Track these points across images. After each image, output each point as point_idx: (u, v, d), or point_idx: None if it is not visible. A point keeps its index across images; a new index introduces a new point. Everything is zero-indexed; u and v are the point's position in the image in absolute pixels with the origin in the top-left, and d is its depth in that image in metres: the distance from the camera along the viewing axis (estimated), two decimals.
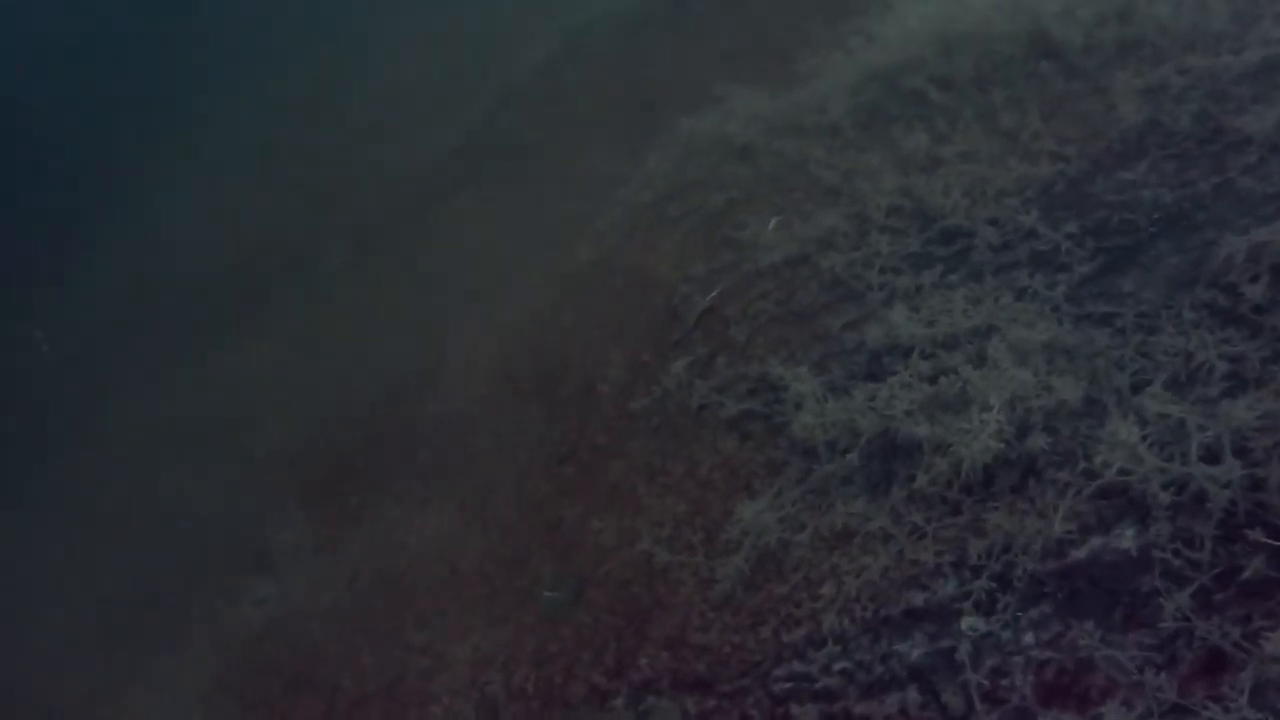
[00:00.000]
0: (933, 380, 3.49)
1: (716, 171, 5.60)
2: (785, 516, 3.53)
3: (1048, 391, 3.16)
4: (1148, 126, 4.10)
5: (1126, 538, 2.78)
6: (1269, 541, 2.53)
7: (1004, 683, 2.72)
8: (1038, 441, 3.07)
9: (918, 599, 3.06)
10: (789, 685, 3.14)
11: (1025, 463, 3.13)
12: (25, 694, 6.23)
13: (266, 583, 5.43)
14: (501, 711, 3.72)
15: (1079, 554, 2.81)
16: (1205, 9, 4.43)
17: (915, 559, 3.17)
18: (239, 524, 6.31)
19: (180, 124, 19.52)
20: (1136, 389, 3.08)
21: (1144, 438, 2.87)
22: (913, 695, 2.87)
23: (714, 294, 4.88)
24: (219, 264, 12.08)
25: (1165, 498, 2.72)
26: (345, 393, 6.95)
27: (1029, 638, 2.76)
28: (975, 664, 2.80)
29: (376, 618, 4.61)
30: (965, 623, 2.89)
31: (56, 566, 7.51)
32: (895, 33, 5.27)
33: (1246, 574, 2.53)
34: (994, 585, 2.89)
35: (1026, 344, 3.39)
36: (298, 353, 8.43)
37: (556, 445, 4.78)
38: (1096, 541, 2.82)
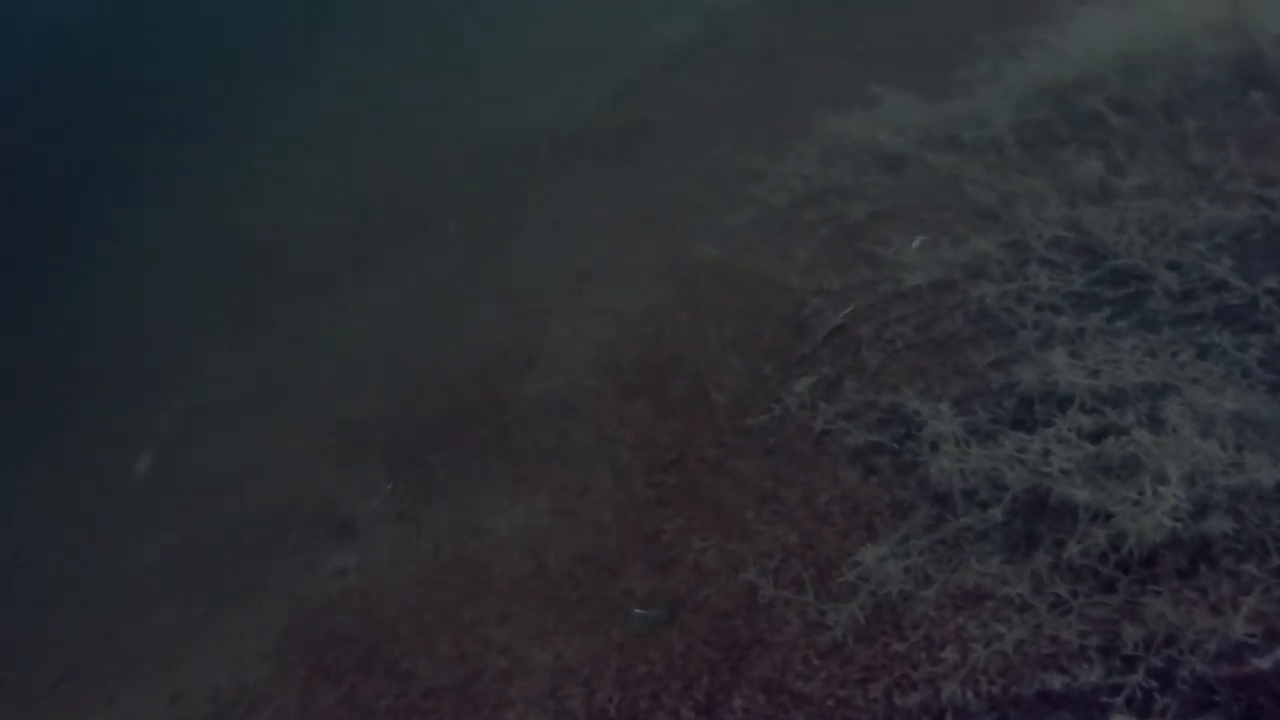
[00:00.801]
0: (1095, 438, 3.23)
1: (860, 179, 5.37)
2: (911, 567, 3.33)
3: (1236, 469, 2.88)
4: None
5: None
6: None
7: None
8: (1219, 524, 2.80)
9: (1056, 682, 2.83)
10: None
11: (1200, 546, 2.86)
12: (99, 628, 6.48)
13: (347, 551, 5.49)
14: None
15: (1262, 663, 2.54)
16: None
17: (1056, 636, 2.93)
18: (323, 485, 6.41)
19: (293, 78, 20.16)
20: None
21: None
22: None
23: (847, 311, 4.68)
24: (323, 222, 12.38)
25: None
26: (442, 361, 6.98)
27: None
28: None
29: (457, 605, 4.59)
30: None
31: (141, 508, 7.80)
32: (1076, 46, 4.94)
33: None
34: (1152, 683, 2.64)
35: (1212, 411, 3.09)
36: (396, 317, 8.53)
37: (661, 450, 4.67)
38: None
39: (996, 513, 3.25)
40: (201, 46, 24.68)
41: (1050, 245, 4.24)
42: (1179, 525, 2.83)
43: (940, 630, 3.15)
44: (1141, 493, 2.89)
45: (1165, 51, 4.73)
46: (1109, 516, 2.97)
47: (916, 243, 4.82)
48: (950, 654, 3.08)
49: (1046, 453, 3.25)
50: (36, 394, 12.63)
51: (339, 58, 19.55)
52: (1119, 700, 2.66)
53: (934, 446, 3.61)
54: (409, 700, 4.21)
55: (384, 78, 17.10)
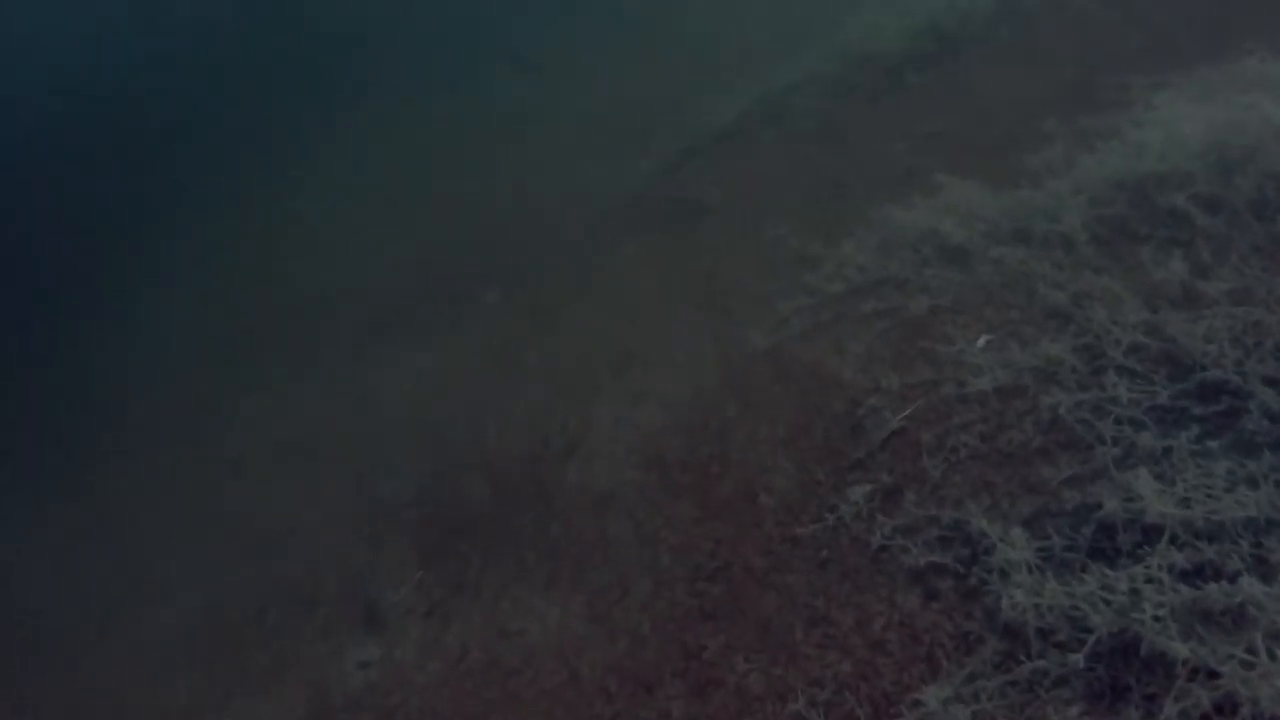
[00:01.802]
0: (1193, 580, 2.94)
1: (921, 272, 5.18)
2: (979, 713, 3.03)
3: None
4: None
5: None
6: None
7: None
8: None
9: None
10: None
11: None
12: (112, 701, 6.36)
13: (372, 644, 5.31)
14: None
15: None
16: None
17: None
18: (354, 564, 6.26)
19: (346, 134, 20.73)
20: None
21: None
22: None
23: (906, 413, 4.45)
24: (367, 281, 12.51)
25: None
26: (480, 439, 6.86)
27: None
28: None
29: (483, 713, 4.36)
30: None
31: (164, 569, 7.72)
32: (1158, 137, 4.73)
33: None
34: None
35: None
36: (436, 386, 8.47)
37: (705, 555, 4.43)
38: None
39: (1077, 658, 2.95)
40: (257, 95, 25.57)
41: (1129, 352, 3.98)
42: None
43: None
44: (1253, 652, 2.59)
45: (1255, 146, 4.49)
46: (1213, 674, 2.67)
47: (981, 342, 4.59)
48: None
49: (1135, 593, 2.96)
50: (67, 440, 12.80)
51: (393, 117, 20.08)
52: None
53: (1004, 574, 3.33)
54: None
55: (436, 140, 17.48)
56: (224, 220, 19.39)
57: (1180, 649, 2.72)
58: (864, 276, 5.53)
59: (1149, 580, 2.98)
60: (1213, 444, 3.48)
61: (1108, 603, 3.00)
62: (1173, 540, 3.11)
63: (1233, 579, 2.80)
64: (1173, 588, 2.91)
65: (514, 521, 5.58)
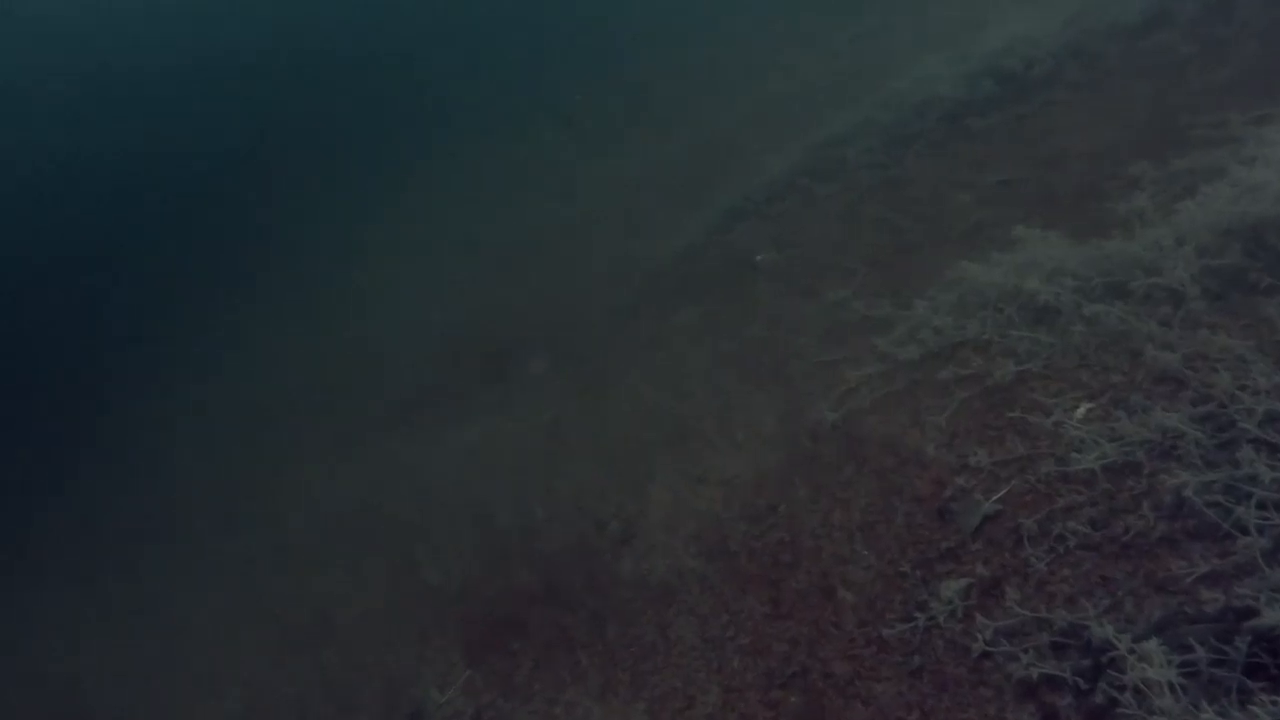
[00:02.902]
0: None
1: (1004, 333, 4.78)
2: None
3: None
4: None
5: None
6: None
7: None
8: None
9: None
10: None
11: None
12: None
13: None
14: None
15: None
16: None
17: None
18: (398, 659, 5.94)
19: (383, 203, 21.02)
20: None
21: None
22: None
23: (1001, 494, 4.02)
24: (407, 356, 12.43)
25: None
26: (528, 524, 6.54)
27: None
28: None
29: None
30: None
31: (204, 664, 7.48)
32: (1269, 176, 4.30)
33: None
34: None
35: None
36: (478, 466, 8.20)
37: (779, 659, 4.02)
38: None
39: None
40: (297, 165, 26.14)
41: (1265, 423, 3.53)
42: None
43: None
44: None
45: None
46: None
47: (1081, 412, 4.16)
48: None
49: None
50: (108, 522, 12.80)
51: (436, 181, 20.31)
52: None
53: (1141, 696, 2.87)
54: None
55: (479, 204, 17.58)
56: (264, 292, 19.68)
57: None
58: (940, 340, 5.14)
59: None
60: None
61: None
62: None
63: None
64: None
65: (566, 618, 5.22)
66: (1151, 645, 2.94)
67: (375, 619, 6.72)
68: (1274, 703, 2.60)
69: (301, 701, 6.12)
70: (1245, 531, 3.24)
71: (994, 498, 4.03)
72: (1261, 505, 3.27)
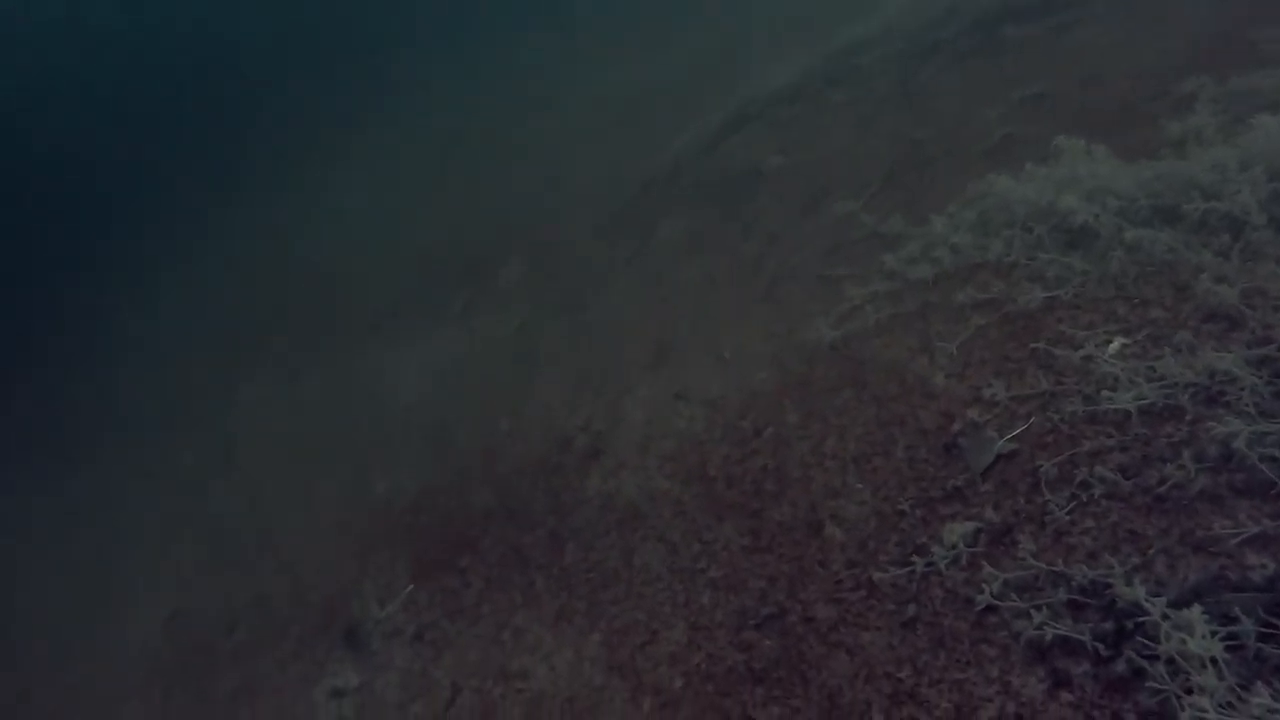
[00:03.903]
0: None
1: (1034, 256, 4.32)
2: None
3: None
4: None
5: None
6: None
7: None
8: None
9: None
10: None
11: None
12: (76, 708, 5.74)
13: (350, 669, 4.60)
14: None
15: None
16: None
17: None
18: (339, 573, 5.57)
19: (366, 110, 20.12)
20: None
21: None
22: None
23: (1018, 431, 3.61)
24: (380, 260, 11.88)
25: None
26: (490, 438, 6.13)
27: None
28: None
29: None
30: None
31: (140, 565, 7.11)
32: None
33: None
34: None
35: None
36: (446, 378, 7.76)
37: (755, 597, 3.65)
38: None
39: None
40: (279, 73, 25.07)
41: None
42: None
43: None
44: None
45: None
46: None
47: (1115, 346, 3.73)
48: None
49: None
50: (62, 414, 12.34)
51: (425, 82, 19.40)
52: None
53: (1175, 669, 2.51)
54: None
55: (464, 111, 16.78)
56: (236, 197, 18.91)
57: None
58: (957, 260, 4.68)
59: None
60: None
61: None
62: None
63: None
64: None
65: (523, 537, 4.84)
66: (1193, 613, 2.56)
67: (319, 530, 6.33)
68: None
69: (233, 611, 5.76)
70: None
71: (1009, 435, 3.63)
72: None
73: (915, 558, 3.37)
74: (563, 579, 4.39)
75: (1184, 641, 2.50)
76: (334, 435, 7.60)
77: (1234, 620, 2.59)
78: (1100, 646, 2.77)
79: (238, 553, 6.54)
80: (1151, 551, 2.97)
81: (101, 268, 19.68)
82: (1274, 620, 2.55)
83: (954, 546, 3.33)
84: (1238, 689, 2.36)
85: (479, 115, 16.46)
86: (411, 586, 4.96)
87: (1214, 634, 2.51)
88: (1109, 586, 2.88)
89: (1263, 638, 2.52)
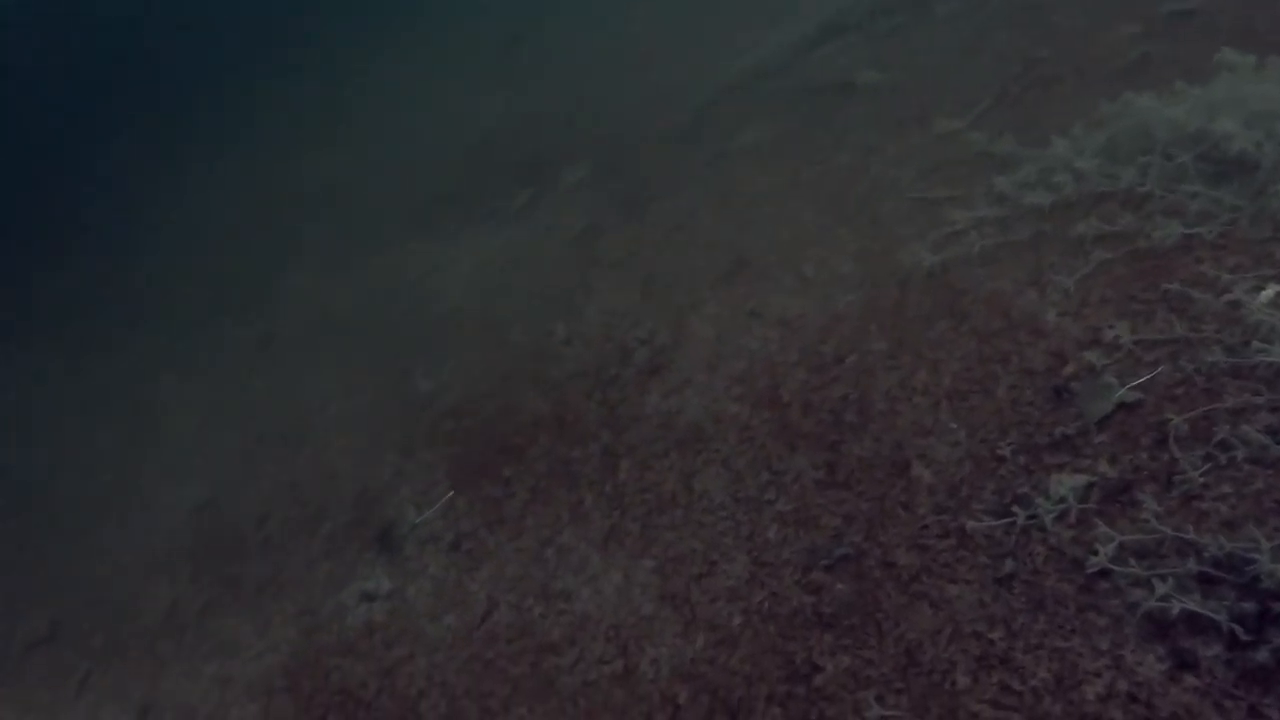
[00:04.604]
0: None
1: (1174, 188, 3.87)
2: None
3: None
4: None
5: None
6: None
7: None
8: None
9: None
10: None
11: None
12: (93, 600, 5.72)
13: (382, 573, 4.45)
14: None
15: None
16: None
17: None
18: (376, 473, 5.41)
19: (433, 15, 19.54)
20: None
21: None
22: None
23: (1144, 379, 3.24)
24: (440, 157, 11.55)
25: None
26: (545, 344, 5.87)
27: None
28: None
29: (502, 700, 3.45)
30: None
31: (175, 448, 7.05)
32: None
33: None
34: None
35: None
36: (498, 278, 7.49)
37: (828, 536, 3.37)
38: None
39: None
40: None
41: None
42: None
43: None
44: None
45: None
46: None
47: (1269, 294, 3.32)
48: None
49: None
50: (95, 305, 12.37)
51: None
52: None
53: None
54: None
55: (538, 2, 16.19)
56: (289, 82, 18.60)
57: None
58: (1081, 187, 4.24)
59: None
60: None
61: None
62: None
63: None
64: None
65: (574, 450, 4.60)
66: None
67: (358, 428, 6.18)
68: None
69: (266, 502, 5.65)
70: None
71: (1133, 383, 3.26)
72: None
73: (1016, 508, 3.05)
74: (615, 498, 4.15)
75: None
76: (378, 331, 7.42)
77: None
78: (1238, 629, 2.44)
79: (272, 446, 6.43)
80: None
81: (142, 147, 19.59)
82: None
83: (1062, 500, 3.01)
84: None
85: (545, 14, 15.88)
86: (451, 493, 4.78)
87: None
88: (1253, 562, 2.54)
89: None
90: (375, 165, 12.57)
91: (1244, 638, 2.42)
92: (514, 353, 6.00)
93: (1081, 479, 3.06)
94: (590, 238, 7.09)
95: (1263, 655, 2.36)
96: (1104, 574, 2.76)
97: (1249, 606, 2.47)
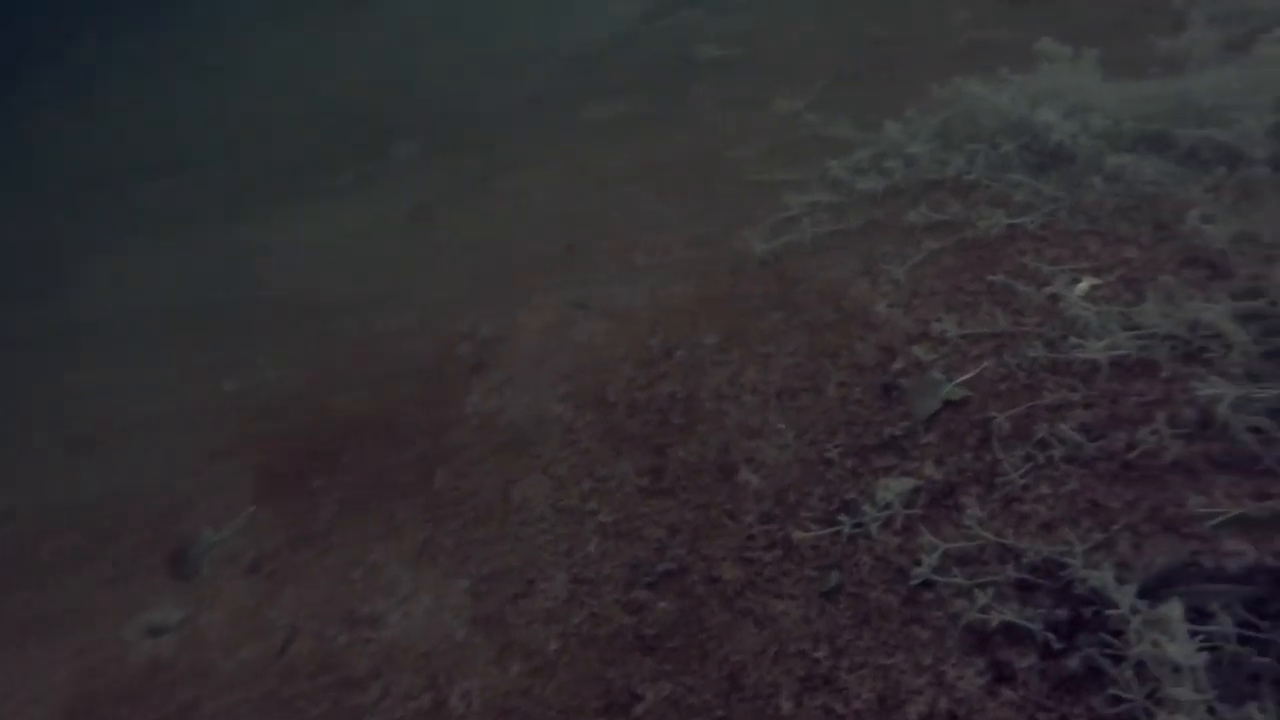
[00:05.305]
0: None
1: (999, 177, 3.90)
2: None
3: None
4: None
5: None
6: None
7: None
8: None
9: None
10: None
11: None
12: None
13: (171, 602, 4.03)
14: None
15: None
16: None
17: None
18: (177, 483, 4.94)
19: None
20: None
21: None
22: None
23: (970, 375, 3.23)
24: (271, 129, 10.86)
25: None
26: (366, 334, 5.51)
27: None
28: None
29: None
30: None
31: None
32: None
33: None
34: None
35: None
36: (327, 257, 7.03)
37: (652, 549, 3.22)
38: None
39: None
40: None
41: None
42: None
43: None
44: None
45: None
46: None
47: (1084, 286, 3.37)
48: None
49: None
50: None
51: None
52: None
53: (1142, 672, 2.18)
54: None
55: None
56: (117, 40, 17.14)
57: None
58: (911, 174, 4.24)
59: None
60: None
61: None
62: None
63: None
64: None
65: (389, 456, 4.30)
66: (1171, 610, 2.22)
67: (163, 427, 5.64)
68: None
69: (59, 513, 5.07)
70: None
71: (959, 379, 3.25)
72: None
73: (843, 516, 2.98)
74: (429, 510, 3.88)
75: (1162, 645, 2.16)
76: (193, 320, 6.83)
77: (1208, 617, 2.27)
78: (1051, 638, 2.43)
79: (69, 451, 5.80)
80: (1115, 528, 2.63)
81: None
82: (1257, 621, 2.24)
83: (888, 506, 2.95)
84: (1224, 707, 2.04)
85: None
86: (253, 507, 4.38)
87: (1195, 637, 2.18)
88: (1065, 567, 2.54)
89: (1244, 641, 2.20)
90: (204, 136, 11.68)
91: (1056, 646, 2.40)
92: (333, 346, 5.61)
93: (908, 483, 3.02)
94: (421, 219, 6.73)
95: (1074, 663, 2.34)
96: (928, 585, 2.71)
97: (1062, 613, 2.46)
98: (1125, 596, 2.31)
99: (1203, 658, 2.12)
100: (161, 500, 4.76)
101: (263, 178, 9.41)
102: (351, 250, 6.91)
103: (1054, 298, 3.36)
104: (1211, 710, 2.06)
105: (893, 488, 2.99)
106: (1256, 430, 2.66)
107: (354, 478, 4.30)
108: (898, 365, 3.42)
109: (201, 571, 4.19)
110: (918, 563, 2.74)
